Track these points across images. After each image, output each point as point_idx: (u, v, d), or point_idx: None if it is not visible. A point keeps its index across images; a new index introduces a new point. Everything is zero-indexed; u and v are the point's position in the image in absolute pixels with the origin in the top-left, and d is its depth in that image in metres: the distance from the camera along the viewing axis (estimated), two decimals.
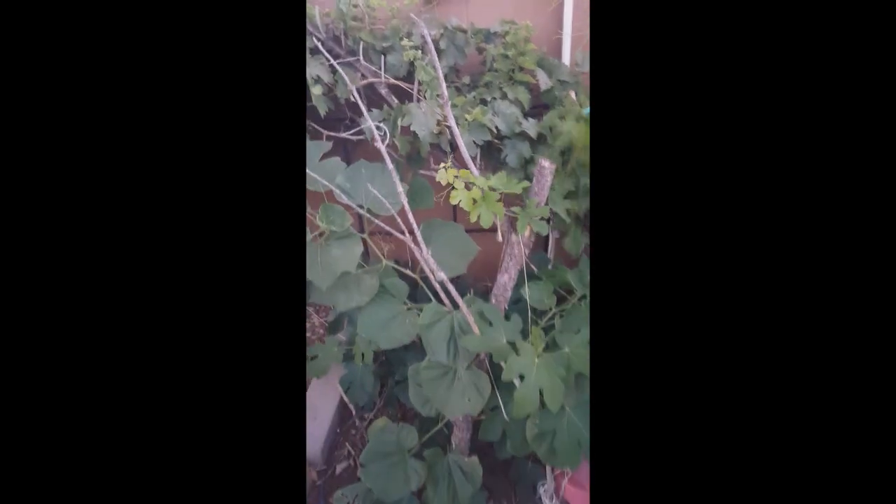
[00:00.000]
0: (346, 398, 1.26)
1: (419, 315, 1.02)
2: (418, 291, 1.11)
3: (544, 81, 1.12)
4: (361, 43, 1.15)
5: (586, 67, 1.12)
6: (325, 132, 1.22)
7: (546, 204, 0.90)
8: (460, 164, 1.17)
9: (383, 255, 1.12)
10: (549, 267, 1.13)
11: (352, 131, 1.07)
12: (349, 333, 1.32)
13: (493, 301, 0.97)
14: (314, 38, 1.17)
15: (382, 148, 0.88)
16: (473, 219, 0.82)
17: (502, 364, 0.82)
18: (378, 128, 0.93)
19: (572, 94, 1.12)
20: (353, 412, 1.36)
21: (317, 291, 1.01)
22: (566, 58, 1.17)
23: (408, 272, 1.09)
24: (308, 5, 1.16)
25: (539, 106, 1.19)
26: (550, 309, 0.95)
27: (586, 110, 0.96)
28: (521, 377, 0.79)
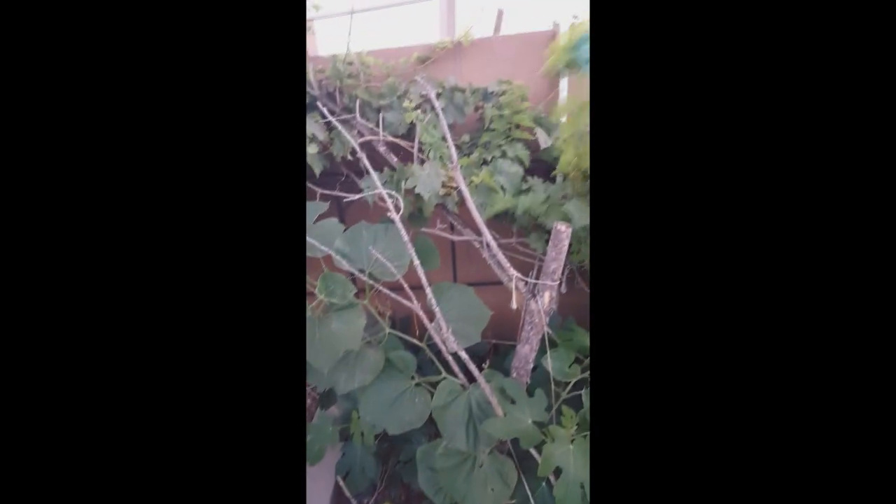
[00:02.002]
0: (344, 488, 1.11)
1: (429, 390, 0.93)
2: (421, 355, 1.02)
3: (543, 140, 1.12)
4: (358, 101, 1.11)
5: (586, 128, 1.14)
6: (320, 190, 1.15)
7: (565, 267, 0.86)
8: (469, 224, 1.13)
9: (385, 320, 1.03)
10: (555, 322, 1.08)
11: (355, 194, 1.00)
12: (344, 408, 1.19)
13: (514, 374, 0.89)
14: (309, 96, 1.13)
15: (396, 218, 0.82)
16: None
17: (533, 452, 0.74)
18: (390, 196, 0.87)
19: None
20: (352, 502, 1.20)
21: (315, 373, 0.89)
22: (563, 116, 1.19)
23: (414, 341, 1.01)
24: None
25: (537, 160, 1.19)
26: (571, 380, 0.88)
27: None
28: (559, 470, 0.71)
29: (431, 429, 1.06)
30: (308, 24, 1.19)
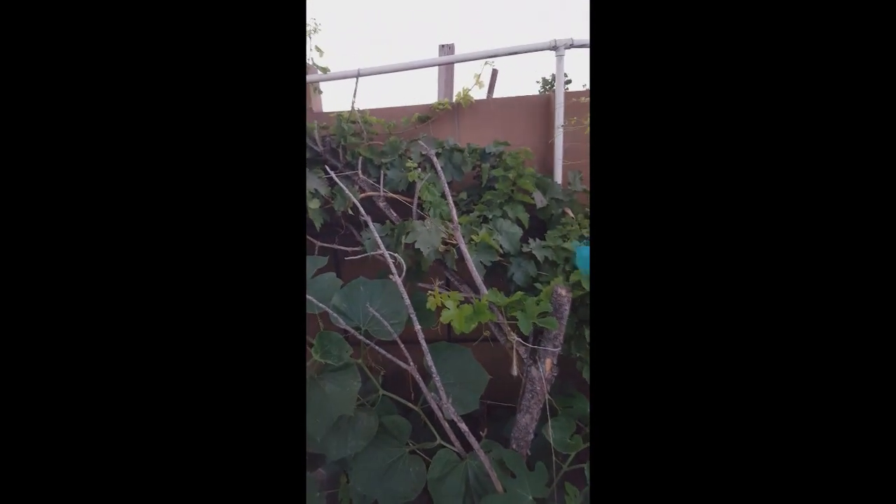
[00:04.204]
0: None
1: (424, 458, 0.88)
2: (413, 415, 0.98)
3: (539, 199, 1.16)
4: (360, 158, 1.14)
5: (578, 187, 1.18)
6: (318, 243, 1.15)
7: (564, 331, 0.86)
8: (467, 281, 1.13)
9: (378, 378, 1.00)
10: (554, 386, 1.06)
11: (353, 247, 1.01)
12: (331, 470, 1.12)
13: (514, 445, 0.86)
14: (312, 152, 1.16)
15: (398, 281, 0.82)
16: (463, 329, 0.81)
17: None
18: (393, 257, 0.88)
19: (569, 212, 1.16)
20: None
21: (307, 438, 0.85)
22: (558, 176, 1.24)
23: (408, 403, 0.97)
24: (307, 122, 1.17)
25: (533, 217, 1.22)
26: (572, 452, 0.86)
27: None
28: None
29: (424, 499, 1.00)
30: (316, 84, 1.25)
